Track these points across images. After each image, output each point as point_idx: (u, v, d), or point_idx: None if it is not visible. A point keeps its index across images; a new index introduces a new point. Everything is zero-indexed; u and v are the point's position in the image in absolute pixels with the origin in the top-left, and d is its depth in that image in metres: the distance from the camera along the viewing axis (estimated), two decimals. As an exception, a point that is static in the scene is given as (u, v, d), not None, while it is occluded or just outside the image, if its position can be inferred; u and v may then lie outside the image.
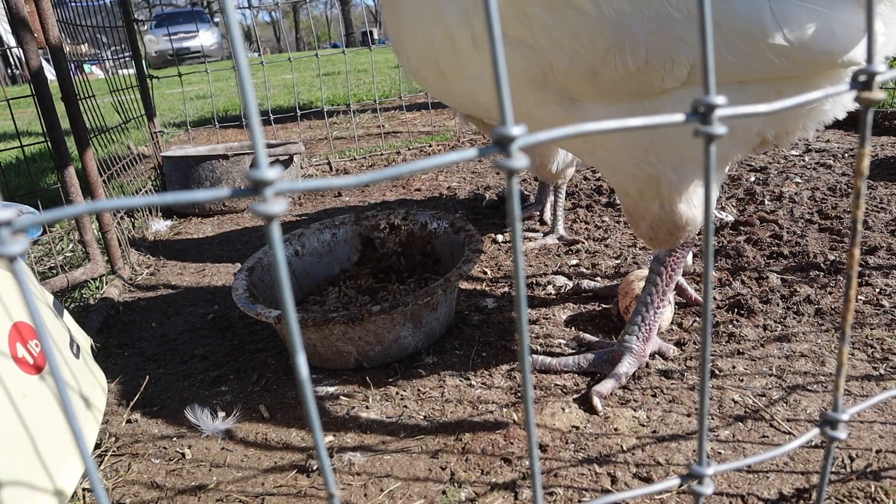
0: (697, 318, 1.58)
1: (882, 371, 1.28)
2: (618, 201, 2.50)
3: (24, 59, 1.91)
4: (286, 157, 3.11)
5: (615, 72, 1.06)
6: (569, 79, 1.11)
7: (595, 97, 1.13)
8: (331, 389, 1.42)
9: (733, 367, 1.35)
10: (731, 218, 2.19)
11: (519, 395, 1.33)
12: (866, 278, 1.66)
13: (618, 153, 1.18)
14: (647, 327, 1.35)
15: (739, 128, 1.13)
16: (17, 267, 0.31)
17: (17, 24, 1.86)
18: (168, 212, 3.07)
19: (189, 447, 1.27)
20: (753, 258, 1.87)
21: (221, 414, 1.36)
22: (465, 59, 1.21)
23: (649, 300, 1.34)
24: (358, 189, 3.16)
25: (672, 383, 1.32)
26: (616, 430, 1.20)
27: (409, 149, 3.97)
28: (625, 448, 1.14)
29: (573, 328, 1.60)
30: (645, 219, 1.24)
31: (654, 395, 1.29)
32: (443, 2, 1.20)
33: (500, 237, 2.29)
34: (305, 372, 0.37)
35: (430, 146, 3.99)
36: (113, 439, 1.32)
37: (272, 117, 3.79)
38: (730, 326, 1.51)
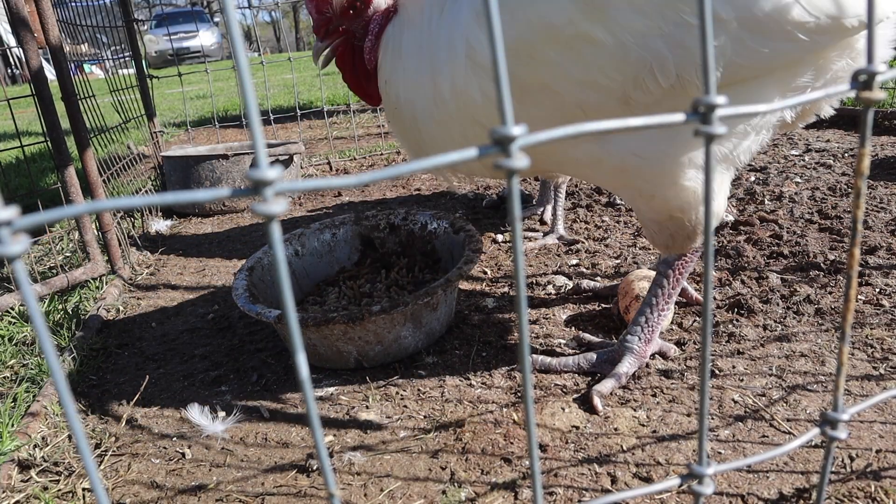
0: (697, 318, 1.58)
1: (882, 371, 1.28)
2: (618, 201, 2.50)
3: (24, 59, 1.91)
4: (286, 157, 3.11)
5: (649, 95, 1.04)
6: (601, 114, 1.09)
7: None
8: (331, 389, 1.42)
9: (733, 367, 1.35)
10: (731, 218, 2.19)
11: (519, 394, 1.33)
12: (866, 278, 1.66)
13: (663, 177, 1.17)
14: (650, 329, 1.35)
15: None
16: (16, 267, 0.31)
17: (18, 23, 1.86)
18: (168, 212, 3.07)
19: (189, 447, 1.27)
20: (753, 258, 1.87)
21: (221, 414, 1.36)
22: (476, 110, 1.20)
23: (654, 302, 1.34)
24: (358, 189, 3.16)
25: (672, 383, 1.32)
26: (616, 429, 1.20)
27: (409, 149, 3.96)
28: (625, 448, 1.14)
29: (573, 328, 1.60)
30: (668, 228, 1.25)
31: (654, 395, 1.29)
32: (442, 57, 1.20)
33: (500, 237, 2.29)
34: (306, 372, 0.37)
35: (430, 146, 3.98)
36: (113, 439, 1.32)
37: (272, 117, 3.79)
38: (730, 326, 1.51)
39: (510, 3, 1.08)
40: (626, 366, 1.33)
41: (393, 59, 1.34)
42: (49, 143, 1.99)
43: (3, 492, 1.15)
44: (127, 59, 3.58)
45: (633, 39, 1.01)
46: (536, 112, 1.13)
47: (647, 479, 1.07)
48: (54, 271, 2.18)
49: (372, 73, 1.41)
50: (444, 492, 1.08)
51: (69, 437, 1.32)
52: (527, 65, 1.08)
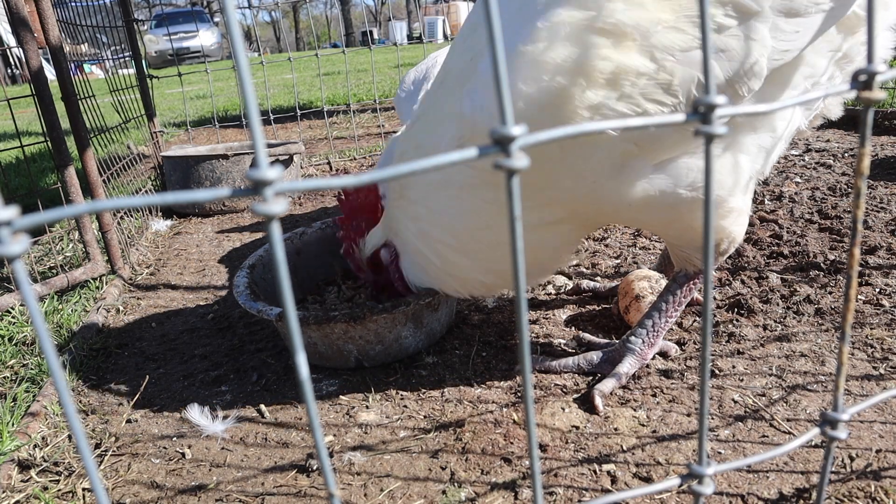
0: (697, 318, 1.58)
1: (882, 371, 1.28)
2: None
3: (24, 59, 1.91)
4: (286, 157, 3.11)
5: None
6: (659, 142, 1.08)
7: (685, 145, 1.10)
8: (331, 389, 1.42)
9: (733, 367, 1.35)
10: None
11: (519, 394, 1.33)
12: (866, 278, 1.66)
13: (692, 211, 1.18)
14: (655, 333, 1.35)
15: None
16: (16, 267, 0.31)
17: (18, 23, 1.86)
18: (168, 212, 3.07)
19: (189, 447, 1.27)
20: (753, 258, 1.87)
21: (221, 414, 1.36)
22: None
23: (664, 308, 1.34)
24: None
25: (672, 383, 1.32)
26: (616, 429, 1.20)
27: (409, 149, 3.96)
28: (625, 448, 1.14)
29: (573, 328, 1.60)
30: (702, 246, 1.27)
31: (654, 395, 1.29)
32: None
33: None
34: (306, 371, 0.37)
35: (430, 146, 3.98)
36: (113, 439, 1.32)
37: (272, 117, 3.79)
38: (730, 326, 1.51)
39: (528, 59, 1.02)
40: (627, 366, 1.33)
41: (421, 277, 1.41)
42: (49, 143, 2.00)
43: (3, 492, 1.15)
44: (127, 59, 3.58)
45: (675, 58, 0.99)
46: (583, 164, 1.11)
47: (647, 479, 1.07)
48: (54, 271, 2.18)
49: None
50: (444, 492, 1.08)
51: (69, 437, 1.32)
52: (568, 119, 1.03)
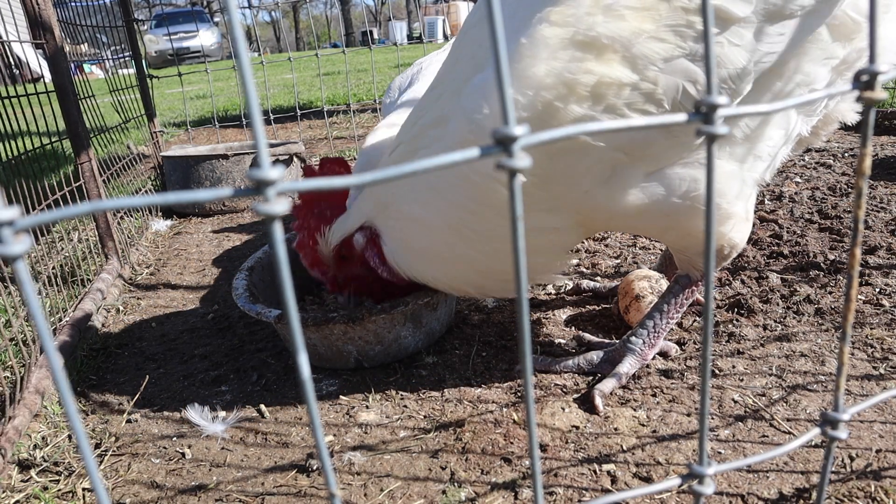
0: (697, 318, 1.58)
1: (882, 371, 1.28)
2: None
3: (45, 56, 1.94)
4: (286, 157, 3.12)
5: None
6: (647, 149, 1.08)
7: (675, 154, 1.10)
8: (331, 389, 1.42)
9: (733, 367, 1.35)
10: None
11: (519, 394, 1.33)
12: (866, 278, 1.66)
13: (695, 218, 1.18)
14: (656, 334, 1.35)
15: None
16: (18, 267, 0.31)
17: (40, 21, 1.89)
18: (168, 212, 3.07)
19: (189, 447, 1.27)
20: (753, 258, 1.87)
21: (221, 414, 1.36)
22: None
23: (665, 309, 1.34)
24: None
25: (672, 383, 1.32)
26: (616, 429, 1.20)
27: (409, 149, 3.95)
28: (625, 448, 1.14)
29: (573, 328, 1.60)
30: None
31: (655, 395, 1.29)
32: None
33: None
34: (307, 371, 0.37)
35: (430, 146, 3.98)
36: (113, 439, 1.32)
37: (272, 117, 3.80)
38: (730, 326, 1.51)
39: (513, 75, 1.02)
40: (627, 366, 1.33)
41: (409, 259, 1.34)
42: (70, 139, 2.03)
43: (3, 492, 1.15)
44: (127, 59, 3.58)
45: (658, 67, 0.99)
46: (573, 172, 1.11)
47: (647, 479, 1.07)
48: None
49: (408, 283, 1.42)
50: (444, 492, 1.08)
51: (69, 436, 1.32)
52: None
